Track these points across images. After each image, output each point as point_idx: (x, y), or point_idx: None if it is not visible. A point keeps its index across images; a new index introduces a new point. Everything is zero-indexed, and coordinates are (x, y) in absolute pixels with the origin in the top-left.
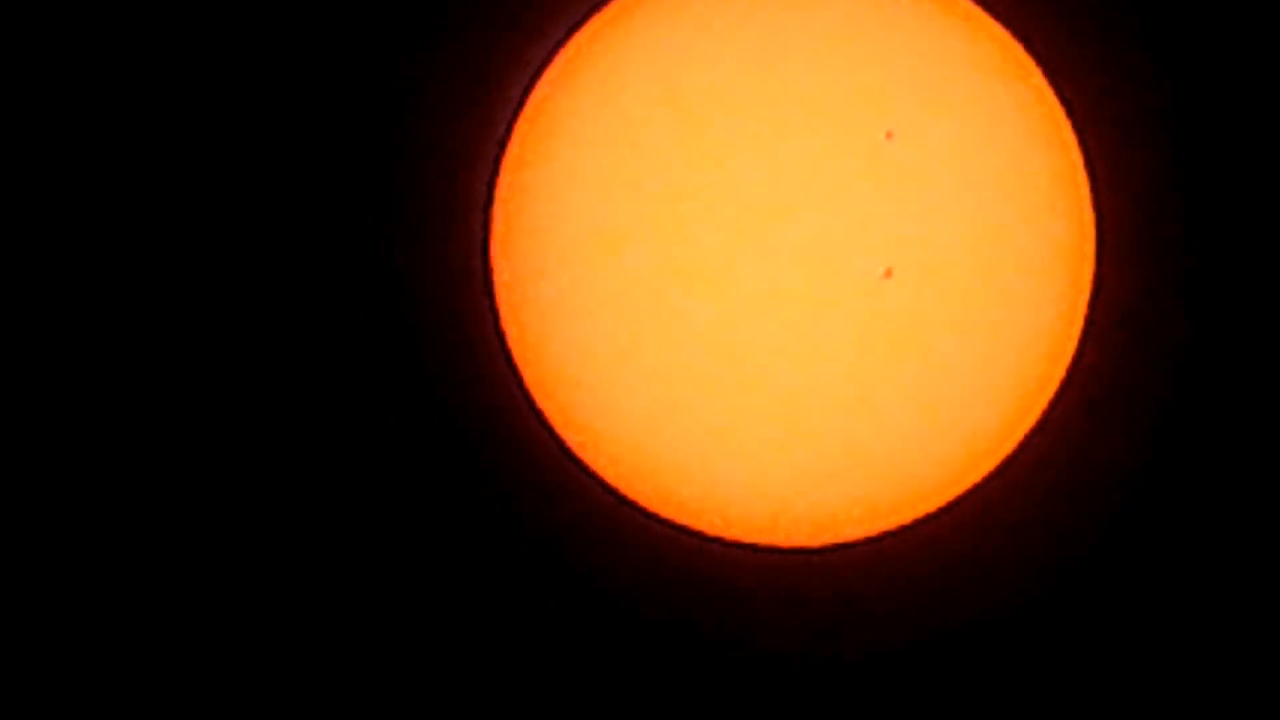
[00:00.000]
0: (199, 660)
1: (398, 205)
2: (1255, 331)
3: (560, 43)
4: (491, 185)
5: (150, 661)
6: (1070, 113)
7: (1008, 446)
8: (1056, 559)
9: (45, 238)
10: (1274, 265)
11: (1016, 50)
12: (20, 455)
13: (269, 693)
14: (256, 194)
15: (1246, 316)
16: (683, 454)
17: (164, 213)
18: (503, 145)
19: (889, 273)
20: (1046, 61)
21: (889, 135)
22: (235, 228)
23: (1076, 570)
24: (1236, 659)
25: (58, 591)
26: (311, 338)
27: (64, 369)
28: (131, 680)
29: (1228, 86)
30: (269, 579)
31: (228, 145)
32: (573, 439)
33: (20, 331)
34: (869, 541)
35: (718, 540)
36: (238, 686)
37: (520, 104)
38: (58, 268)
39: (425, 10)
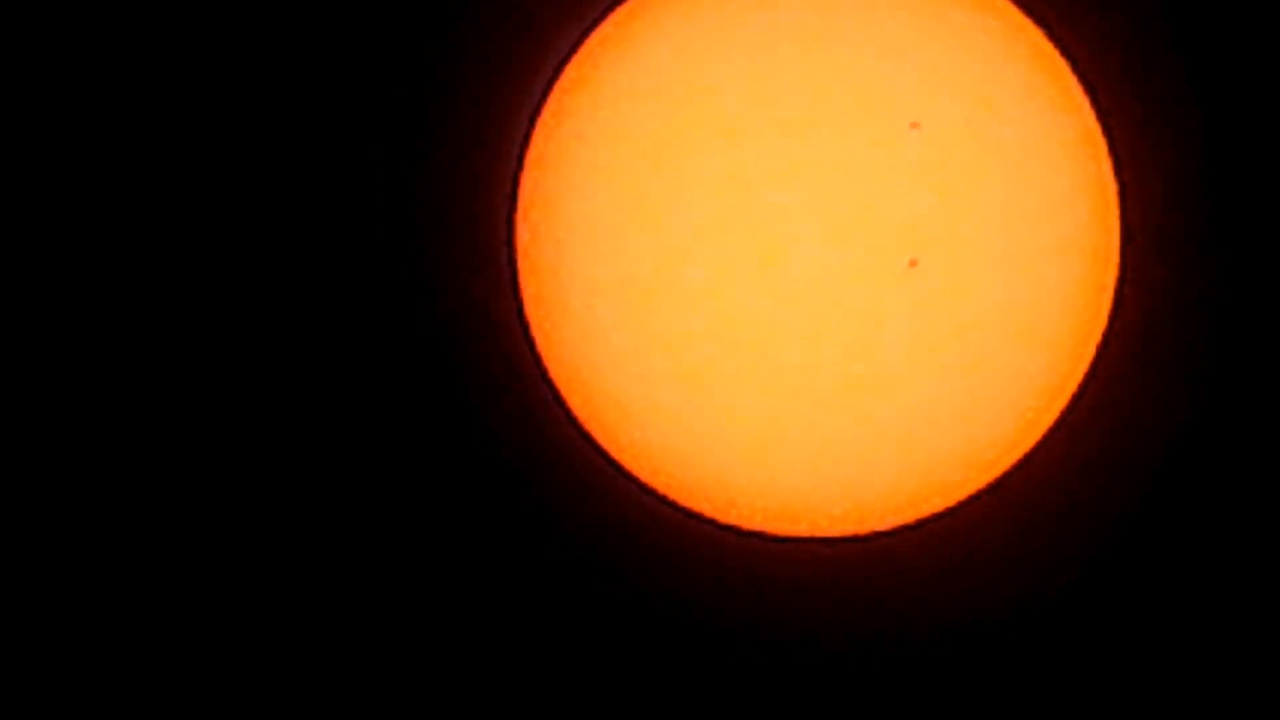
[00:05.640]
0: (219, 658)
1: (421, 205)
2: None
3: (584, 36)
4: (516, 180)
5: (173, 660)
6: (1096, 104)
7: (1034, 437)
8: (1078, 552)
9: (61, 239)
10: None
11: (1042, 41)
12: (52, 455)
13: (301, 689)
14: (278, 194)
15: (1272, 311)
16: (705, 444)
17: (185, 215)
18: (527, 137)
19: (914, 263)
20: (1072, 52)
21: (914, 126)
22: (256, 227)
23: (1099, 565)
24: (1253, 656)
25: (80, 590)
26: (335, 338)
27: (84, 371)
28: (168, 676)
29: (1256, 77)
30: (297, 577)
31: (248, 147)
32: (597, 431)
33: (32, 332)
34: (894, 532)
35: (738, 530)
36: (265, 682)
37: (544, 96)
38: (77, 270)
39: (445, 8)
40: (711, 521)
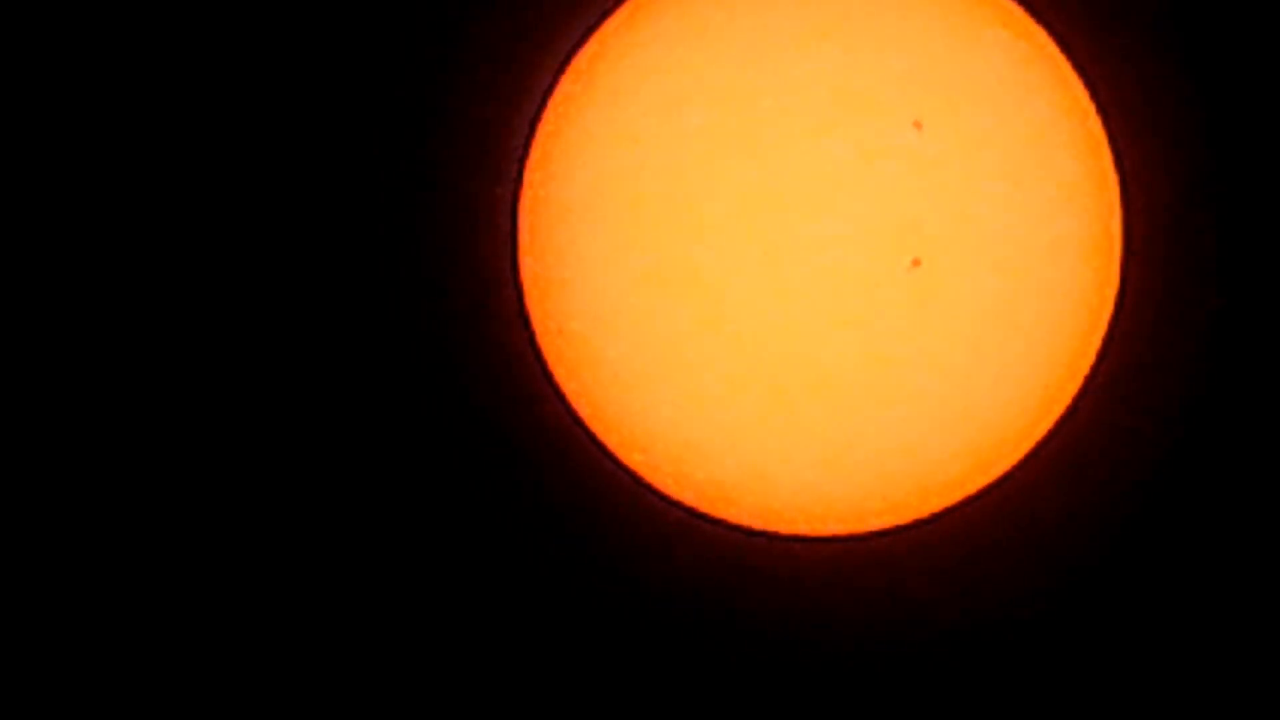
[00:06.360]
0: (219, 658)
1: (422, 206)
2: None
3: (587, 35)
4: (518, 179)
5: (173, 660)
6: (1099, 103)
7: (1036, 436)
8: (1079, 552)
9: (61, 239)
10: None
11: (1044, 40)
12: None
13: (301, 689)
14: (279, 195)
15: (1275, 311)
16: (707, 442)
17: (187, 215)
18: (530, 137)
19: (917, 262)
20: (1074, 51)
21: (917, 125)
22: (257, 228)
23: (1099, 565)
24: (1253, 656)
25: (80, 590)
26: (336, 338)
27: (84, 371)
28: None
29: (1259, 77)
30: (297, 575)
31: (249, 148)
32: (601, 429)
33: (32, 332)
34: (893, 531)
35: (743, 529)
36: (265, 682)
37: (546, 96)
38: (77, 270)
39: (447, 9)
40: (714, 520)
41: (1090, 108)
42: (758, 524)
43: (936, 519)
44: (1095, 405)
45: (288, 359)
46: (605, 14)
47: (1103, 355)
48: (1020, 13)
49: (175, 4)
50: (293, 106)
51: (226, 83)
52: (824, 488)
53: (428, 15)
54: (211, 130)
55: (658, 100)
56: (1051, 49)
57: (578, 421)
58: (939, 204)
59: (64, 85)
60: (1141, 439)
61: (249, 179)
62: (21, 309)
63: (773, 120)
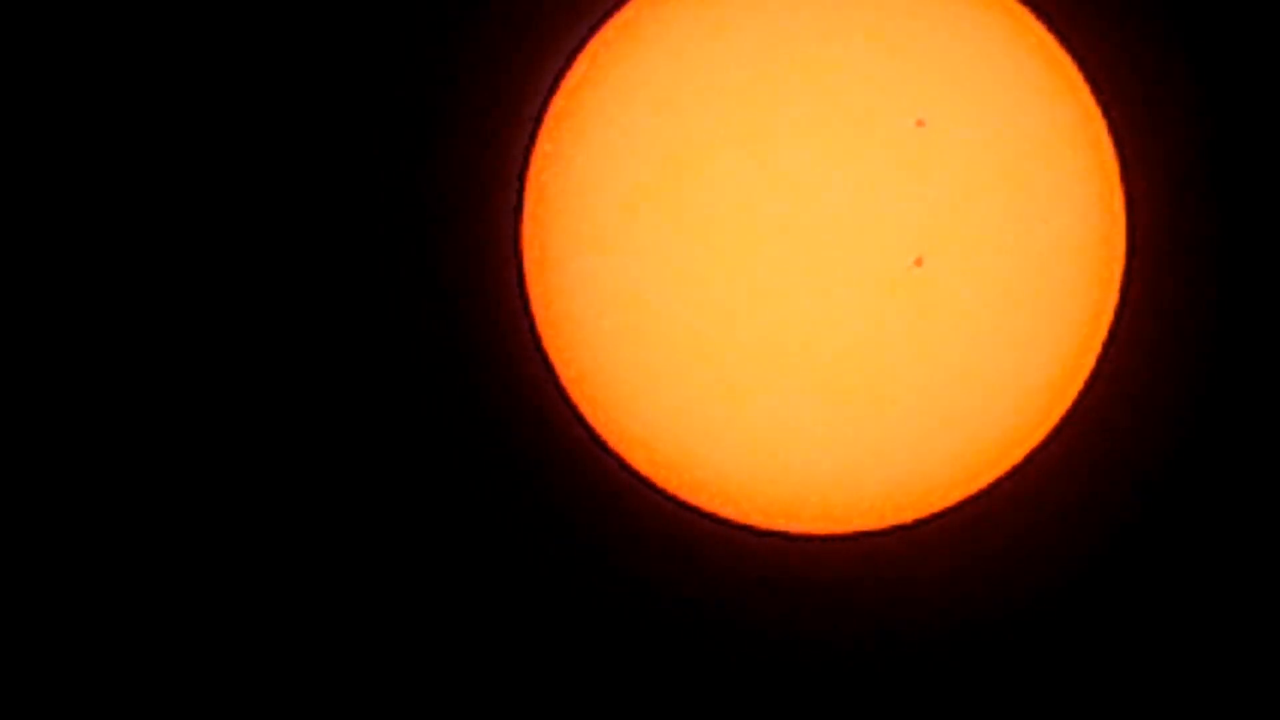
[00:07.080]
0: (219, 658)
1: (426, 205)
2: None
3: (589, 34)
4: (522, 180)
5: (173, 660)
6: (1102, 102)
7: (1037, 436)
8: (1081, 552)
9: (62, 239)
10: None
11: (1048, 38)
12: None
13: (301, 689)
14: (282, 195)
15: (1276, 308)
16: (709, 442)
17: (189, 216)
18: (533, 137)
19: (919, 261)
20: (1077, 50)
21: (920, 123)
22: (260, 228)
23: (1100, 565)
24: (1253, 657)
25: (80, 590)
26: (340, 338)
27: (87, 371)
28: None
29: (1260, 75)
30: (301, 575)
31: (251, 148)
32: (604, 429)
33: (35, 332)
34: (897, 530)
35: (745, 528)
36: (265, 682)
37: (549, 96)
38: (79, 270)
39: (451, 7)
40: (716, 519)
41: (1092, 106)
42: (759, 523)
43: (936, 519)
44: (1096, 405)
45: (288, 359)
46: (605, 17)
47: (1104, 355)
48: (1022, 11)
49: (176, 4)
50: (293, 107)
51: (226, 84)
52: (824, 488)
53: (428, 17)
54: (212, 132)
55: (658, 101)
56: (1053, 47)
57: (581, 421)
58: (940, 203)
59: (65, 86)
60: (1143, 439)
61: (250, 180)
62: (23, 309)
63: (774, 120)
